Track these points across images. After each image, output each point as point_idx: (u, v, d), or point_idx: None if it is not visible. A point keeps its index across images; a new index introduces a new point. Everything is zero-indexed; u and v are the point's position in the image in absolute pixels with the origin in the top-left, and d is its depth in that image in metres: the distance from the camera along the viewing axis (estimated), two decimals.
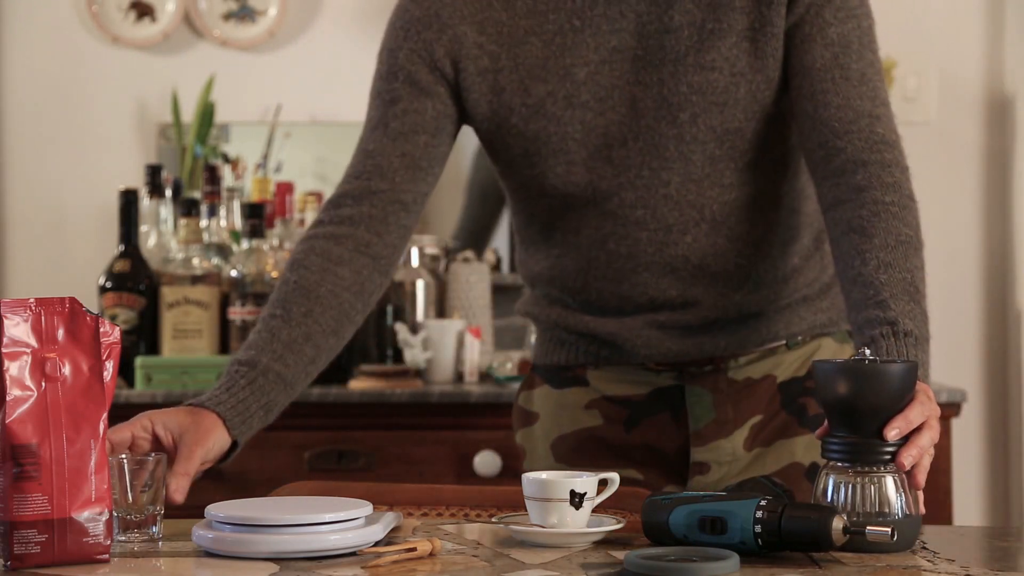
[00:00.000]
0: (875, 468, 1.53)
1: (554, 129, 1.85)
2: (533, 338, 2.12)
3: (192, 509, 1.67)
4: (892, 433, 1.52)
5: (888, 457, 1.52)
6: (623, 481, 1.81)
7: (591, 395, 1.96)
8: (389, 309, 3.30)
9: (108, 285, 3.23)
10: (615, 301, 1.90)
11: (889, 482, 1.52)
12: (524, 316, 2.05)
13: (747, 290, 1.89)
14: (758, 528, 1.46)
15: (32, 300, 1.47)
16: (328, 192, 3.71)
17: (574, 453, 1.96)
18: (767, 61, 1.82)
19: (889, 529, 1.44)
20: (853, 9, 1.83)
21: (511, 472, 3.04)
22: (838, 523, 1.45)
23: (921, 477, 1.54)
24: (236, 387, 1.75)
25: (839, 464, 1.54)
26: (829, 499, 1.53)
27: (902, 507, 1.52)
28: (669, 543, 1.50)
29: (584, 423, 1.96)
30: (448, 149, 1.93)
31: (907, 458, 1.52)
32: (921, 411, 1.54)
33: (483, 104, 1.88)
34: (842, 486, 1.53)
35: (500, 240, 3.76)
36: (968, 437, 3.64)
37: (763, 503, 1.48)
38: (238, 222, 3.45)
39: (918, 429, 1.54)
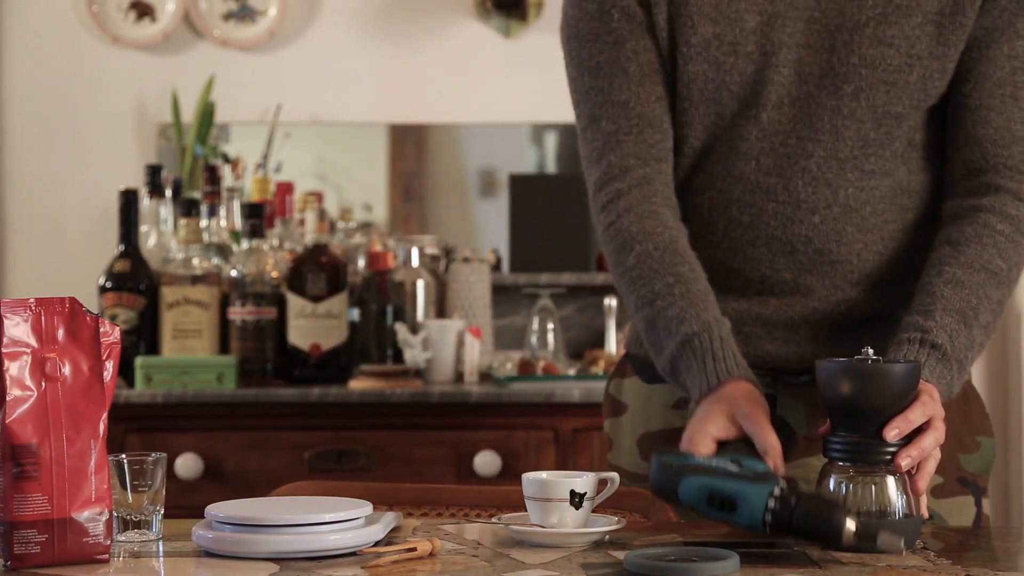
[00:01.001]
0: (877, 468, 1.53)
1: (712, 75, 1.77)
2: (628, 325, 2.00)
3: (192, 509, 1.67)
4: (892, 433, 1.52)
5: (889, 457, 1.52)
6: None
7: (678, 394, 1.83)
8: (389, 309, 3.30)
9: (108, 285, 3.23)
10: (724, 276, 1.80)
11: (890, 482, 1.52)
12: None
13: (864, 288, 1.79)
14: (768, 517, 1.47)
15: (32, 300, 1.47)
16: (328, 192, 3.73)
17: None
18: (948, 51, 1.74)
19: (901, 539, 1.44)
20: None
21: (511, 472, 3.04)
22: (851, 525, 1.45)
23: (922, 483, 1.53)
24: (722, 348, 1.69)
25: (840, 464, 1.54)
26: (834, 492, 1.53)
27: (903, 508, 1.52)
28: (674, 504, 1.49)
29: (672, 423, 1.84)
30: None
31: (905, 459, 1.51)
32: (923, 412, 1.53)
33: (661, 39, 1.79)
34: (843, 485, 1.53)
35: (500, 240, 3.76)
36: None
37: (776, 492, 1.47)
38: (238, 222, 3.45)
39: (921, 430, 1.53)
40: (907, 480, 1.53)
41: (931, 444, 1.54)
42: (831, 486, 1.54)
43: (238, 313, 3.21)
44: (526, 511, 1.58)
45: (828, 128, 1.75)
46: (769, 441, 1.58)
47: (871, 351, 1.55)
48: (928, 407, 1.54)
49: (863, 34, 1.73)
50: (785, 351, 1.79)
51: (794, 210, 1.77)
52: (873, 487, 1.53)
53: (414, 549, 1.47)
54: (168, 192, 3.41)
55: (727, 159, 1.79)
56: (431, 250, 3.55)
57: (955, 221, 1.75)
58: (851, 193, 1.77)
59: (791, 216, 1.77)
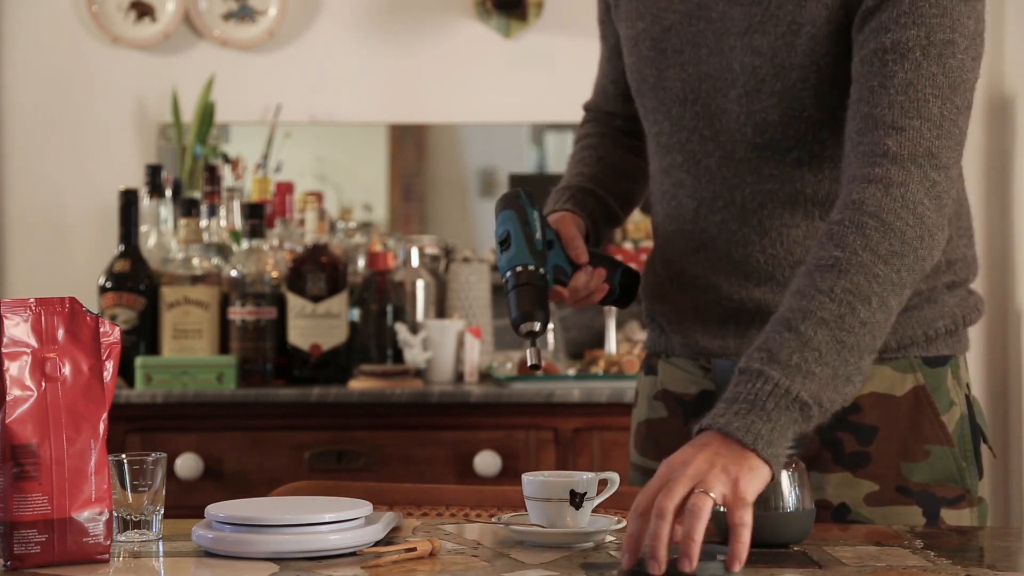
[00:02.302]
0: None
1: (638, 68, 1.85)
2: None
3: (192, 509, 1.67)
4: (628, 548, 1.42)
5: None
6: None
7: (657, 386, 1.92)
8: (389, 309, 3.30)
9: (108, 285, 3.23)
10: (664, 263, 1.88)
11: (783, 477, 1.54)
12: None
13: (769, 289, 1.77)
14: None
15: (32, 300, 1.47)
16: (327, 192, 3.73)
17: (645, 443, 1.93)
18: (805, 60, 1.70)
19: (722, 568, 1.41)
20: (923, 16, 1.63)
21: (511, 472, 3.04)
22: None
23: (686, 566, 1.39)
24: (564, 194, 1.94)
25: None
26: None
27: (795, 501, 1.54)
28: None
29: (653, 414, 1.92)
30: None
31: (652, 564, 1.39)
32: (657, 514, 1.40)
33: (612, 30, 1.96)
34: None
35: None
36: None
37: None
38: (238, 222, 3.45)
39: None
40: (803, 474, 1.54)
41: (656, 525, 1.40)
42: None
43: (238, 313, 3.21)
44: (526, 511, 1.58)
45: (723, 129, 1.78)
46: (568, 233, 1.82)
47: None
48: (646, 491, 1.44)
49: (743, 40, 1.75)
50: (713, 344, 1.82)
51: (699, 206, 1.81)
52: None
53: (414, 549, 1.47)
54: (168, 192, 3.41)
55: (657, 153, 1.87)
56: (431, 250, 3.55)
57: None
58: (747, 195, 1.77)
59: (697, 212, 1.82)
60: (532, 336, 1.72)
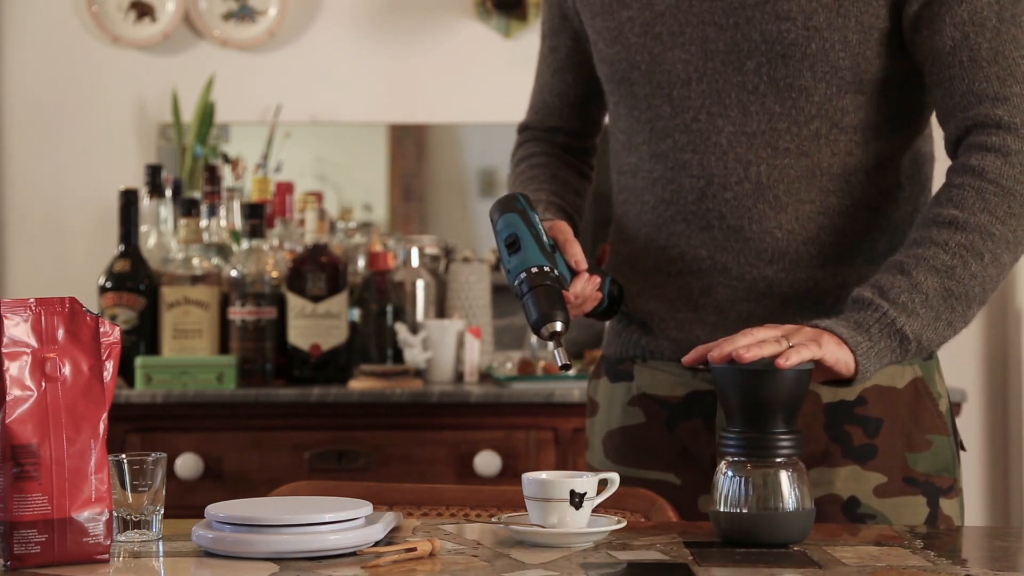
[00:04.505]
0: (771, 462, 1.55)
1: (625, 56, 1.84)
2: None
3: (192, 509, 1.67)
4: (713, 356, 1.56)
5: (783, 453, 1.54)
6: (660, 484, 1.81)
7: (633, 391, 1.90)
8: (389, 309, 3.30)
9: (108, 285, 3.23)
10: (654, 254, 1.86)
11: (783, 476, 1.54)
12: None
13: (781, 267, 1.79)
14: (518, 281, 1.73)
15: (32, 300, 1.47)
16: (327, 192, 3.73)
17: (619, 451, 1.90)
18: (848, 22, 1.73)
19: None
20: None
21: (511, 472, 3.04)
22: (558, 327, 1.69)
23: (785, 360, 1.53)
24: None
25: (735, 459, 1.55)
26: (725, 492, 1.55)
27: (795, 502, 1.54)
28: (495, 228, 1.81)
29: (628, 420, 1.89)
30: (596, 86, 1.99)
31: (714, 352, 1.56)
32: (763, 333, 1.57)
33: (586, 29, 1.92)
34: (738, 479, 1.55)
35: None
36: (968, 437, 3.64)
37: (534, 270, 1.73)
38: (238, 222, 3.45)
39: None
40: (802, 473, 1.55)
41: (743, 339, 1.56)
42: (726, 479, 1.55)
43: (238, 313, 3.21)
44: (526, 511, 1.58)
45: (735, 104, 1.78)
46: (566, 238, 1.81)
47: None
48: (770, 330, 1.58)
49: (763, 10, 1.75)
50: (714, 336, 1.77)
51: (707, 185, 1.80)
52: (766, 480, 1.54)
53: (414, 549, 1.47)
54: (168, 192, 3.41)
55: (650, 140, 1.84)
56: (431, 250, 3.55)
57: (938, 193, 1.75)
58: (763, 170, 1.78)
59: (705, 191, 1.80)
60: (556, 337, 1.69)
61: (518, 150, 2.09)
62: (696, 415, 1.84)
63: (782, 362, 1.53)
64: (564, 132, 2.06)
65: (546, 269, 1.73)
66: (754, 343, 1.55)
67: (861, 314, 1.65)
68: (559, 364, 1.68)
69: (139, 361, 3.13)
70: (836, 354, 1.61)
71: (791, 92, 1.76)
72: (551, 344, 1.70)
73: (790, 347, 1.56)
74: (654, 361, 1.88)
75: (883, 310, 1.64)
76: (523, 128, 2.10)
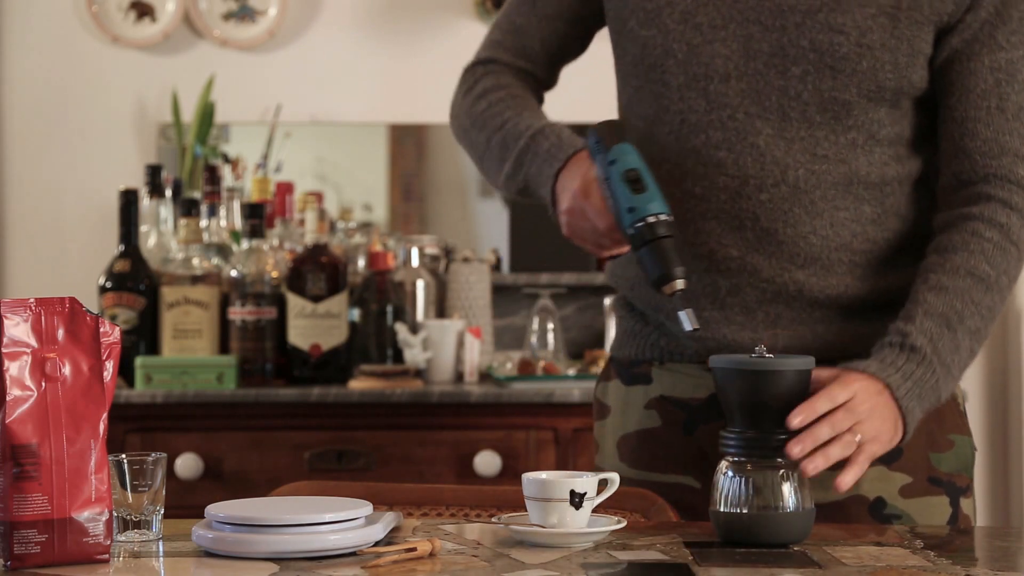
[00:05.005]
0: (771, 462, 1.55)
1: (661, 41, 1.79)
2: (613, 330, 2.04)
3: (192, 509, 1.67)
4: (796, 421, 1.55)
5: (783, 453, 1.54)
6: (679, 488, 1.80)
7: (651, 394, 1.87)
8: (389, 309, 3.30)
9: (108, 285, 3.23)
10: (691, 247, 1.79)
11: (783, 476, 1.55)
12: (614, 304, 1.98)
13: (812, 272, 1.77)
14: (636, 229, 1.62)
15: (32, 300, 1.46)
16: (327, 192, 3.73)
17: (635, 454, 1.87)
18: (901, 44, 1.73)
19: None
20: None
21: (511, 472, 3.04)
22: (679, 284, 1.61)
23: (810, 467, 1.54)
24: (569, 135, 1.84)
25: (735, 459, 1.55)
26: (725, 492, 1.55)
27: (796, 502, 1.54)
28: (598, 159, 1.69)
29: (645, 424, 1.87)
30: (584, 45, 1.96)
31: (796, 447, 1.54)
32: (829, 400, 1.57)
33: (615, 1, 1.86)
34: (738, 479, 1.54)
35: (500, 240, 3.76)
36: None
37: (663, 218, 1.63)
38: (238, 222, 3.45)
39: (822, 419, 1.56)
40: (801, 473, 1.55)
41: (826, 434, 1.56)
42: (726, 479, 1.55)
43: (238, 313, 3.21)
44: (526, 511, 1.58)
45: (775, 107, 1.76)
46: None
47: (764, 348, 1.58)
48: (834, 394, 1.58)
49: (815, 19, 1.73)
50: (742, 336, 1.77)
51: (742, 185, 1.77)
52: (767, 481, 1.54)
53: (414, 549, 1.47)
54: (168, 192, 3.41)
55: (679, 132, 1.79)
56: (431, 250, 3.55)
57: (944, 230, 1.75)
58: (800, 174, 1.75)
59: (739, 191, 1.76)
60: (678, 296, 1.62)
61: (485, 78, 1.94)
62: (717, 417, 1.79)
63: (839, 483, 1.57)
64: (533, 79, 1.96)
65: (670, 219, 1.64)
66: (820, 452, 1.56)
67: (923, 372, 1.67)
68: (687, 328, 1.62)
69: (139, 361, 3.13)
70: (892, 441, 1.65)
71: (833, 105, 1.75)
72: (675, 305, 1.62)
73: (857, 446, 1.59)
74: (673, 364, 1.85)
75: (937, 376, 1.68)
76: (487, 61, 1.96)
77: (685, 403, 1.84)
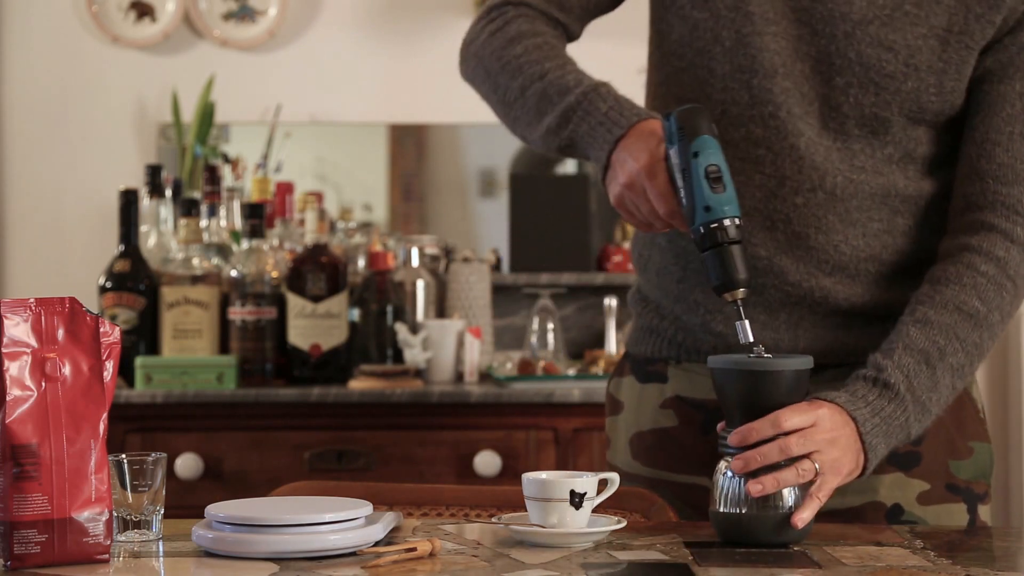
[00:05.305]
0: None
1: (711, 25, 1.74)
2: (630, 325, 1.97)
3: (192, 509, 1.67)
4: (733, 440, 1.54)
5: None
6: (694, 488, 1.80)
7: (666, 393, 1.84)
8: (389, 309, 3.30)
9: (108, 285, 3.23)
10: None
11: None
12: (633, 297, 1.93)
13: (838, 280, 1.74)
14: (699, 233, 1.59)
15: (32, 300, 1.46)
16: (327, 192, 3.73)
17: (649, 453, 1.85)
18: (948, 68, 1.71)
19: None
20: None
21: (511, 472, 3.04)
22: (741, 295, 1.58)
23: (755, 488, 1.52)
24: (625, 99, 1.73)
25: (732, 458, 1.55)
26: (724, 492, 1.55)
27: (795, 501, 1.54)
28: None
29: (660, 423, 1.84)
30: (618, 2, 1.87)
31: (738, 463, 1.53)
32: (771, 425, 1.53)
33: None
34: (738, 479, 1.54)
35: (500, 240, 3.76)
36: None
37: (739, 222, 1.59)
38: (238, 222, 3.45)
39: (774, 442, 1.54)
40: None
41: (774, 455, 1.53)
42: (725, 478, 1.55)
43: (238, 313, 3.21)
44: (526, 511, 1.58)
45: (816, 112, 1.73)
46: None
47: (762, 348, 1.57)
48: (784, 419, 1.53)
49: (866, 31, 1.70)
50: (763, 335, 1.73)
51: (778, 186, 1.73)
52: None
53: (414, 549, 1.47)
54: (168, 192, 3.41)
55: (720, 122, 1.75)
56: (431, 250, 3.55)
57: (942, 259, 1.72)
58: (839, 182, 1.72)
59: (775, 192, 1.73)
60: (737, 305, 1.59)
61: (517, 21, 1.82)
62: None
63: (796, 521, 1.53)
64: (564, 30, 1.86)
65: (742, 224, 1.61)
66: (771, 474, 1.53)
67: (891, 409, 1.63)
68: (748, 340, 1.59)
69: (139, 361, 3.12)
70: (852, 474, 1.61)
71: (872, 121, 1.72)
72: (735, 314, 1.59)
73: (815, 477, 1.55)
74: (690, 363, 1.83)
75: (908, 414, 1.64)
76: (518, 3, 1.84)
77: (702, 404, 1.82)
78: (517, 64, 1.78)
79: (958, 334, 1.67)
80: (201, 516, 1.55)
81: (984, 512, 1.79)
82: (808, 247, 1.74)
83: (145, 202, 3.38)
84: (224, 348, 3.23)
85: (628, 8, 1.89)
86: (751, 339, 1.58)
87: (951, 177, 1.77)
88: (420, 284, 3.39)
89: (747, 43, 1.73)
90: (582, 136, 1.72)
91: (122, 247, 3.25)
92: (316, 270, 3.22)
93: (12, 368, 1.44)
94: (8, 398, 1.43)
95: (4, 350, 1.44)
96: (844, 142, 1.73)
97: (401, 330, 3.24)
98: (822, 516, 1.61)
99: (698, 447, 1.81)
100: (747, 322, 1.59)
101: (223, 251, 3.34)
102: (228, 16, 3.77)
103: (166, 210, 3.40)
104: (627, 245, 3.70)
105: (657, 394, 1.86)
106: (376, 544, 1.50)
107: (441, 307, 3.47)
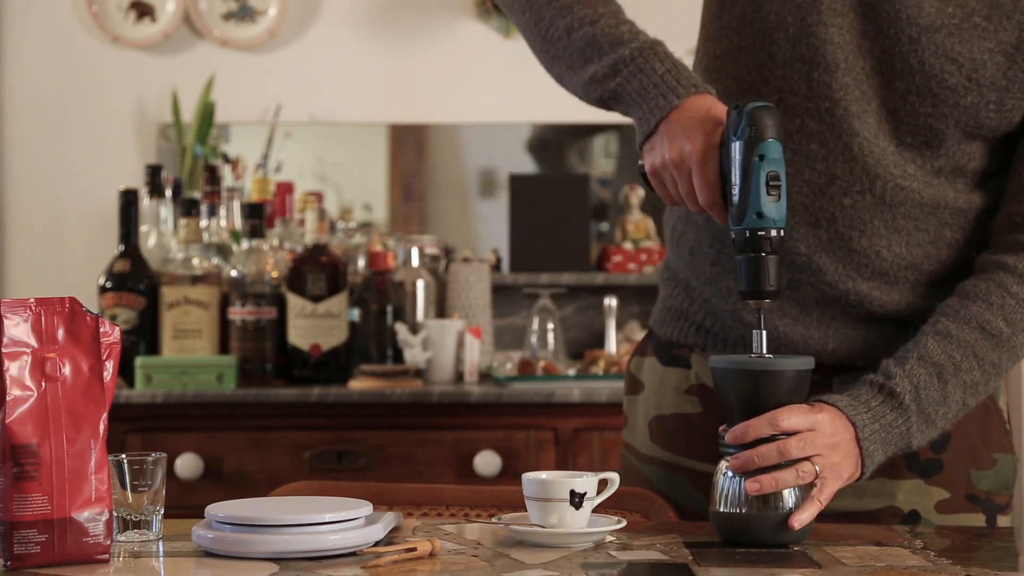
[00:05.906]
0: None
1: (776, 8, 1.68)
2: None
3: (192, 509, 1.67)
4: (729, 437, 1.54)
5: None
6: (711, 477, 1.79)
7: (691, 380, 1.82)
8: (389, 309, 3.30)
9: (108, 285, 3.23)
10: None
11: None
12: (662, 274, 1.89)
13: (877, 285, 1.71)
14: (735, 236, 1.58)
15: (32, 300, 1.46)
16: (327, 192, 3.73)
17: (669, 437, 1.83)
18: (1012, 85, 1.66)
19: None
20: None
21: (511, 472, 3.04)
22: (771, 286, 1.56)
23: (752, 486, 1.51)
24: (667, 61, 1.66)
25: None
26: (724, 492, 1.55)
27: (795, 501, 1.53)
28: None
29: (683, 408, 1.82)
30: None
31: (735, 461, 1.53)
32: (768, 423, 1.52)
33: None
34: (738, 479, 1.54)
35: (500, 240, 3.76)
36: None
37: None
38: (238, 222, 3.45)
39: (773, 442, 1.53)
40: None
41: (772, 456, 1.52)
42: (726, 478, 1.55)
43: (238, 313, 3.21)
44: (526, 511, 1.58)
45: (873, 113, 1.68)
46: None
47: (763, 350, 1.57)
48: (782, 418, 1.53)
49: (932, 38, 1.65)
50: (794, 331, 1.72)
51: (828, 184, 1.69)
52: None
53: (414, 549, 1.47)
54: (168, 192, 3.41)
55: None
56: (431, 250, 3.55)
57: (976, 273, 1.69)
58: (889, 188, 1.68)
59: (823, 189, 1.69)
60: (760, 314, 1.57)
61: None
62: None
63: (793, 522, 1.52)
64: None
65: (785, 236, 1.58)
66: (770, 474, 1.52)
67: (893, 417, 1.61)
68: (756, 351, 1.57)
69: (139, 361, 3.12)
70: (851, 479, 1.59)
71: (927, 131, 1.68)
72: (755, 322, 1.58)
73: (816, 480, 1.54)
74: (715, 353, 1.78)
75: (911, 424, 1.62)
76: None
77: None
78: (562, 5, 1.71)
79: (976, 352, 1.64)
80: (201, 516, 1.55)
81: (1003, 523, 1.77)
82: (850, 249, 1.70)
83: (145, 202, 3.38)
84: (224, 348, 3.23)
85: None
86: (764, 352, 1.57)
87: (1000, 190, 1.73)
88: (420, 284, 3.40)
89: (811, 32, 1.68)
90: (630, 93, 1.65)
91: (122, 247, 3.25)
92: (316, 270, 3.22)
93: (12, 368, 1.44)
94: (8, 398, 1.43)
95: (4, 350, 1.44)
96: (897, 148, 1.69)
97: (401, 330, 3.24)
98: (836, 517, 1.61)
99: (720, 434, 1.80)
100: (764, 333, 1.57)
101: (223, 251, 3.34)
102: (228, 16, 3.77)
103: (166, 210, 3.40)
104: (627, 245, 3.70)
105: (680, 379, 1.83)
106: (376, 544, 1.50)
107: (441, 307, 3.47)
